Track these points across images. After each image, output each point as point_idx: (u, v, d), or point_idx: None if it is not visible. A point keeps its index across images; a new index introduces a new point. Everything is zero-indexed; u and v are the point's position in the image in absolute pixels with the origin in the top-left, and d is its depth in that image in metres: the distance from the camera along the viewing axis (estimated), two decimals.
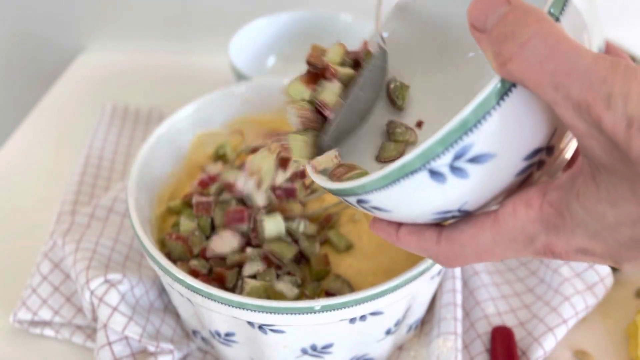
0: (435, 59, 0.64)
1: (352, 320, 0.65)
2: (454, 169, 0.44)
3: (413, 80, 0.64)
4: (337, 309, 0.62)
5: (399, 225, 0.54)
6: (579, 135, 0.41)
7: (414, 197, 0.47)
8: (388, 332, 0.72)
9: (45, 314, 0.84)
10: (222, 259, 0.75)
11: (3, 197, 1.08)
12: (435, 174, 0.44)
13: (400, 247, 0.55)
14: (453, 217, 0.50)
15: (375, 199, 0.49)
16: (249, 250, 0.75)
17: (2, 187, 1.11)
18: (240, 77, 1.12)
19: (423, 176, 0.45)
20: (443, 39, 0.63)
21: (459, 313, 0.80)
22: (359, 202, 0.51)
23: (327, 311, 0.62)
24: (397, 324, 0.72)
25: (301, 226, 0.78)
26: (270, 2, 1.39)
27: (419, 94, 0.64)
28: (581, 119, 0.40)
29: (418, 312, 0.78)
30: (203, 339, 0.79)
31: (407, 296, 0.68)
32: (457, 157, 0.43)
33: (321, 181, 0.54)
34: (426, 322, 0.85)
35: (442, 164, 0.43)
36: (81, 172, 1.08)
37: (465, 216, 0.50)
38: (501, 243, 0.48)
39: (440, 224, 0.52)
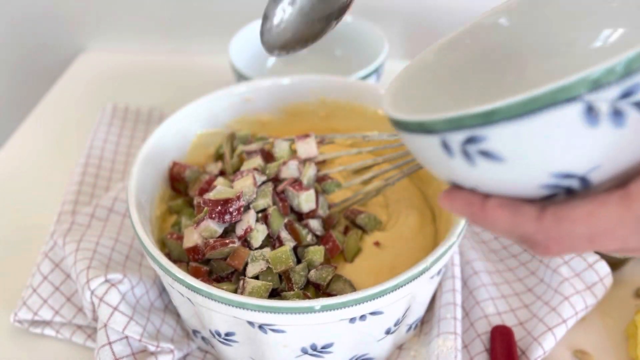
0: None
1: (352, 320, 0.65)
2: (615, 112, 0.38)
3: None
4: (337, 309, 0.62)
5: (486, 196, 0.47)
6: None
7: (549, 140, 0.40)
8: (388, 332, 0.72)
9: (45, 314, 0.84)
10: (223, 259, 0.75)
11: (3, 197, 1.08)
12: (590, 112, 0.38)
13: (482, 224, 0.48)
14: (568, 189, 0.44)
15: (499, 135, 0.41)
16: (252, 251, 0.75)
17: (2, 186, 1.11)
18: (240, 77, 1.11)
19: (576, 110, 0.38)
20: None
21: (459, 313, 0.80)
22: (468, 141, 0.42)
23: (327, 311, 0.62)
24: (397, 323, 0.72)
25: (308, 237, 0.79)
26: None
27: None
28: None
29: (418, 311, 0.78)
30: (203, 338, 0.79)
31: (407, 296, 0.68)
32: (626, 94, 0.38)
33: (410, 117, 0.45)
34: (426, 321, 0.85)
35: (605, 98, 0.38)
36: (82, 172, 1.08)
37: (582, 191, 0.44)
38: (630, 224, 0.42)
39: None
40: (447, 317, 0.79)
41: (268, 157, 0.85)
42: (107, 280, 0.80)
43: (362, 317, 0.65)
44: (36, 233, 0.99)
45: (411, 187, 0.90)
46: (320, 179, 0.83)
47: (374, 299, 0.63)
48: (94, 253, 0.85)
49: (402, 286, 0.64)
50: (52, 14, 1.46)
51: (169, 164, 0.87)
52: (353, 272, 0.77)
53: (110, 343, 0.78)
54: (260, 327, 0.65)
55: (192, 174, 0.87)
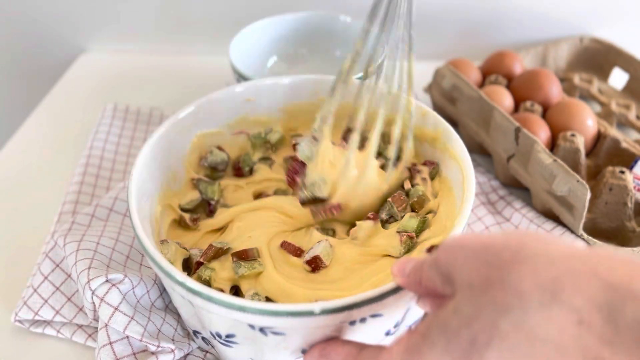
0: None
1: (352, 323, 0.64)
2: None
3: None
4: (337, 312, 0.61)
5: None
6: None
7: None
8: (387, 334, 0.72)
9: (46, 314, 0.83)
10: None
11: (4, 196, 1.08)
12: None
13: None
14: None
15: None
16: None
17: (3, 187, 1.10)
18: (240, 77, 1.11)
19: None
20: None
21: None
22: None
23: (326, 314, 0.61)
24: (397, 325, 0.71)
25: None
26: (270, 3, 1.39)
27: None
28: None
29: (416, 313, 0.78)
30: (204, 339, 0.79)
31: (407, 298, 0.67)
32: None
33: None
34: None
35: None
36: (82, 172, 1.08)
37: None
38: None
39: None
40: None
41: None
42: (108, 281, 0.80)
43: (362, 320, 0.64)
44: (37, 233, 0.99)
45: None
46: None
47: (374, 302, 0.62)
48: (94, 253, 0.85)
49: (400, 290, 0.64)
50: (52, 15, 1.46)
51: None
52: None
53: (111, 343, 0.77)
54: (261, 329, 0.64)
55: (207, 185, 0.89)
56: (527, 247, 0.47)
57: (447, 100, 1.21)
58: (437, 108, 1.24)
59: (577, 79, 1.32)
